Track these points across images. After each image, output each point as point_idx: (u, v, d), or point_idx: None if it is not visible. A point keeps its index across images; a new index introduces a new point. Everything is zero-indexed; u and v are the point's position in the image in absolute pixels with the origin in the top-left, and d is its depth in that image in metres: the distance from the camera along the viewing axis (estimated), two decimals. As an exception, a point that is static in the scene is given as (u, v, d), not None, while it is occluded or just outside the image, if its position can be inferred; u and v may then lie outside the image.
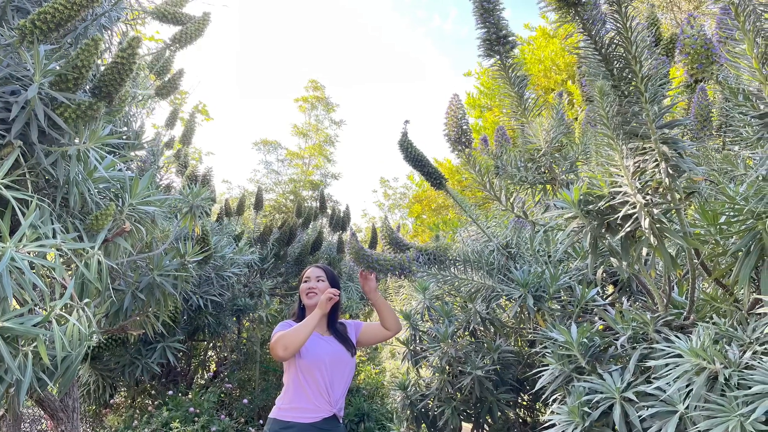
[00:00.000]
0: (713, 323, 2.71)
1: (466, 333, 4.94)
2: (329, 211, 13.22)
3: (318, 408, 4.17)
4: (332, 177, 21.50)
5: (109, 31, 4.47)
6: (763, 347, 2.41)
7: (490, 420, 4.76)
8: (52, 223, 3.22)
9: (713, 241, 2.89)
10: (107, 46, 4.55)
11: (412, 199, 24.64)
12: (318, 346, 4.29)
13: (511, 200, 4.34)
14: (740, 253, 2.69)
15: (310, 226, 12.34)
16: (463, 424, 4.84)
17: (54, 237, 3.09)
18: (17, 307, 3.02)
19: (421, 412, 4.94)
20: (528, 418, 5.18)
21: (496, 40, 3.55)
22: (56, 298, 3.10)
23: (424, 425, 4.99)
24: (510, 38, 3.57)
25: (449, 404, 4.64)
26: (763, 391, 2.14)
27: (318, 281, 4.56)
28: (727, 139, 3.93)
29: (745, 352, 2.45)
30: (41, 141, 3.16)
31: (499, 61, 3.69)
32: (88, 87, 3.20)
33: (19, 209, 2.88)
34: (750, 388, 2.19)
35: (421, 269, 4.08)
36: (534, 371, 3.59)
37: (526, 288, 3.98)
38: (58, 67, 3.05)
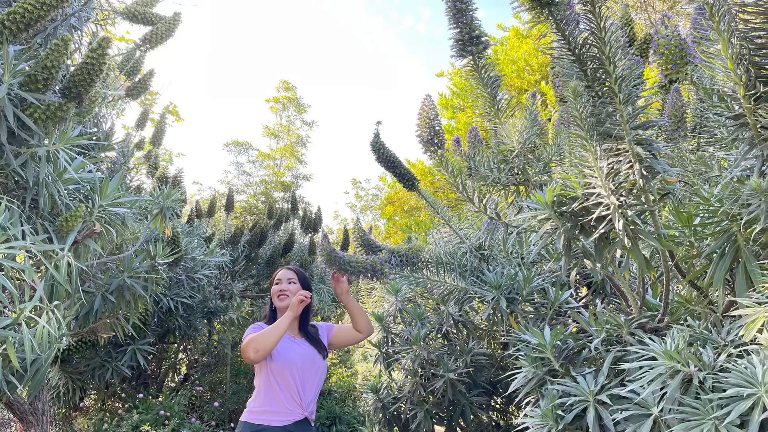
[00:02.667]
0: (688, 325, 2.71)
1: (439, 335, 4.93)
2: (301, 213, 13.18)
3: (290, 411, 4.17)
4: (304, 178, 21.43)
5: (78, 32, 4.46)
6: (738, 350, 2.41)
7: (462, 423, 4.74)
8: (22, 225, 3.21)
9: (688, 243, 2.88)
10: (77, 46, 4.55)
11: (385, 200, 24.61)
12: (289, 348, 4.28)
13: (484, 202, 4.32)
14: (715, 255, 2.69)
15: (282, 227, 12.33)
16: (436, 427, 4.83)
17: (23, 239, 3.06)
18: (-14, 309, 3.00)
19: (393, 415, 4.92)
20: (501, 421, 5.17)
21: (469, 41, 3.54)
22: (25, 300, 3.06)
23: (396, 428, 4.97)
24: (483, 39, 3.56)
25: (422, 407, 4.63)
26: (738, 394, 2.13)
27: (289, 283, 4.54)
28: (701, 140, 3.93)
29: (719, 355, 2.44)
30: (10, 142, 3.16)
31: (472, 62, 3.68)
32: (57, 87, 3.21)
33: (-12, 211, 2.84)
34: (725, 390, 2.19)
35: (393, 271, 4.06)
36: (507, 374, 3.57)
37: (499, 290, 3.96)
38: (27, 68, 3.04)
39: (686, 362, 2.39)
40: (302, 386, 4.23)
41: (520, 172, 4.01)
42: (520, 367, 3.31)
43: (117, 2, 5.08)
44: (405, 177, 4.34)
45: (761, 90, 2.52)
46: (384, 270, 3.87)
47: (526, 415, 3.09)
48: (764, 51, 2.56)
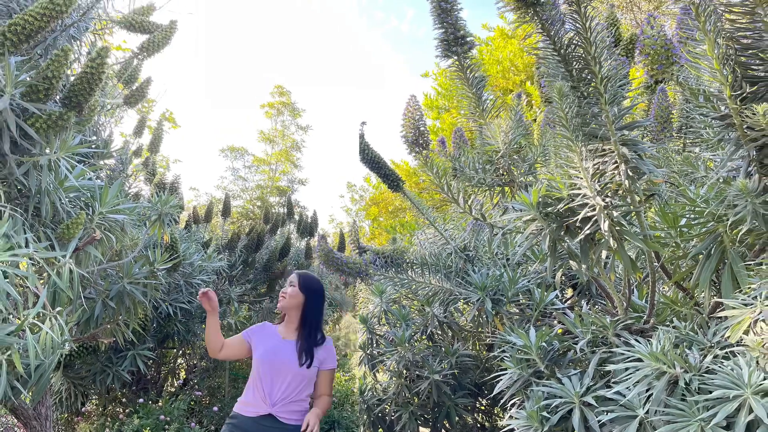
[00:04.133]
0: (673, 327, 2.69)
1: (424, 337, 4.91)
2: (297, 217, 13.18)
3: (256, 404, 4.39)
4: (299, 182, 21.52)
5: (77, 42, 4.54)
6: (724, 351, 2.39)
7: (447, 425, 4.73)
8: (25, 233, 3.25)
9: (673, 244, 2.87)
10: (76, 56, 4.63)
11: (369, 201, 24.64)
12: (269, 346, 4.53)
13: (469, 203, 4.32)
14: (701, 256, 2.68)
15: (278, 232, 12.31)
16: (421, 428, 4.81)
17: (27, 246, 3.13)
18: (-9, 316, 3.02)
19: (378, 417, 4.91)
20: (486, 423, 5.15)
21: (454, 41, 3.53)
22: (29, 307, 3.12)
23: (381, 430, 4.96)
24: (468, 39, 3.55)
25: (406, 409, 4.62)
26: (724, 396, 2.12)
27: (289, 286, 4.69)
28: (687, 141, 3.92)
29: (705, 356, 2.43)
30: (13, 151, 3.20)
31: (457, 62, 3.67)
32: (58, 97, 3.27)
33: (-8, 219, 2.90)
34: (711, 392, 2.18)
35: (378, 272, 4.06)
36: (492, 375, 3.56)
37: (484, 291, 3.94)
38: (28, 78, 3.08)
39: (672, 364, 2.38)
40: (270, 383, 4.41)
41: (505, 173, 4.00)
42: (506, 369, 3.30)
43: (114, 12, 5.10)
44: (390, 178, 4.33)
45: (747, 90, 2.51)
46: (368, 271, 3.88)
47: (511, 417, 3.07)
48: (750, 51, 2.56)
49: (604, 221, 2.68)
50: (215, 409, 8.73)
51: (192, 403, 8.95)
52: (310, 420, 4.32)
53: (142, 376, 8.72)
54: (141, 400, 8.05)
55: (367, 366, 5.16)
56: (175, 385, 9.90)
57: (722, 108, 2.65)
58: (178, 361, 10.12)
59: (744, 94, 2.53)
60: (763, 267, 2.46)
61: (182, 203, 9.91)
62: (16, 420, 6.14)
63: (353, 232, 4.57)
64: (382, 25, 77.31)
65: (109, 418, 8.02)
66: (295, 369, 4.43)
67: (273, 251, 10.96)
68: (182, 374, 10.16)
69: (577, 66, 2.78)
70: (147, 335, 7.27)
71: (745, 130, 2.56)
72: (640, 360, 2.52)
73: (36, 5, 2.98)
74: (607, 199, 2.71)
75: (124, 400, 8.66)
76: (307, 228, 12.68)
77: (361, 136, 4.27)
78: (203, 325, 8.88)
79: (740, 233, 2.45)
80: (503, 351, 3.43)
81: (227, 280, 10.06)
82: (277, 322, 4.81)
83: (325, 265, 3.98)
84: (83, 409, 8.29)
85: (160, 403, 8.04)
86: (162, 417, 7.44)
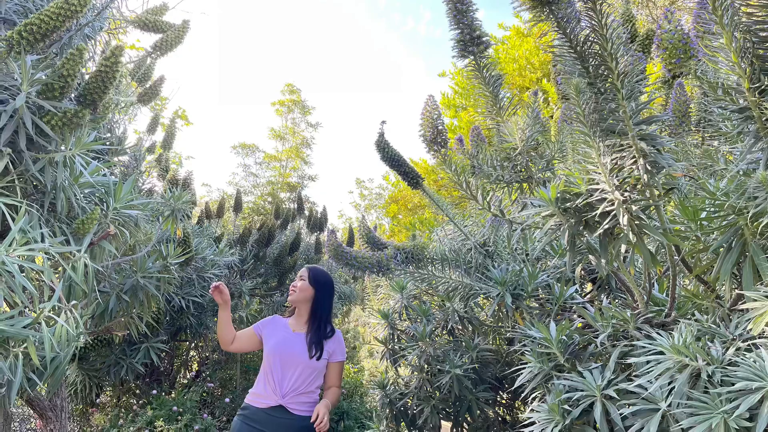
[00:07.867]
0: (695, 320, 2.70)
1: (444, 332, 4.93)
2: (307, 213, 13.26)
3: (267, 395, 4.49)
4: (309, 179, 21.55)
5: (92, 41, 4.60)
6: (746, 343, 2.40)
7: (469, 418, 4.74)
8: (41, 228, 3.32)
9: (694, 238, 2.87)
10: (91, 55, 4.70)
11: (389, 199, 24.67)
12: (279, 338, 4.63)
13: (488, 199, 4.32)
14: (721, 249, 2.67)
15: (288, 227, 12.37)
16: (443, 422, 4.82)
17: (42, 241, 3.19)
18: (7, 309, 3.12)
19: (400, 411, 4.92)
20: (507, 417, 5.16)
21: (470, 41, 3.53)
22: (45, 301, 3.20)
23: (403, 423, 4.97)
24: (484, 38, 3.55)
25: (428, 403, 4.63)
26: (747, 388, 2.12)
27: (299, 280, 4.79)
28: (706, 135, 3.92)
29: (728, 349, 2.43)
30: (29, 148, 3.25)
31: (474, 62, 3.67)
32: (73, 95, 3.34)
33: (9, 215, 2.98)
34: (733, 384, 2.18)
35: (398, 267, 4.08)
36: (513, 369, 3.56)
37: (504, 286, 3.96)
38: (44, 77, 3.14)
39: (694, 356, 2.38)
40: (281, 375, 4.52)
41: (523, 170, 4.00)
42: (526, 363, 3.30)
43: (128, 12, 5.15)
44: (409, 175, 4.36)
45: (766, 83, 2.52)
46: (390, 266, 3.90)
47: (532, 410, 3.08)
48: (768, 44, 2.56)
49: (623, 215, 2.68)
50: (227, 400, 8.85)
51: (204, 394, 9.08)
52: (319, 411, 4.38)
53: (155, 368, 8.85)
54: (154, 391, 8.18)
55: (388, 360, 5.18)
56: (188, 376, 10.10)
57: (741, 101, 2.65)
58: (191, 353, 10.31)
59: (762, 87, 2.53)
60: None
61: (194, 199, 10.00)
62: (32, 411, 6.21)
63: (362, 226, 4.60)
64: (399, 28, 77.38)
65: (123, 409, 8.14)
66: (305, 361, 4.53)
67: (283, 246, 11.04)
68: (195, 366, 10.33)
69: (593, 62, 2.78)
70: (160, 328, 7.41)
71: (765, 122, 2.57)
72: (661, 353, 2.52)
73: (51, 5, 3.03)
74: (626, 194, 2.72)
75: (137, 391, 8.81)
76: (317, 223, 12.77)
77: (381, 135, 4.29)
78: (215, 318, 8.99)
79: (761, 225, 2.45)
80: (524, 345, 3.44)
81: (239, 274, 10.16)
82: (287, 315, 4.91)
83: (335, 260, 4.01)
84: (98, 401, 8.46)
85: (173, 395, 8.19)
86: (175, 408, 7.54)
